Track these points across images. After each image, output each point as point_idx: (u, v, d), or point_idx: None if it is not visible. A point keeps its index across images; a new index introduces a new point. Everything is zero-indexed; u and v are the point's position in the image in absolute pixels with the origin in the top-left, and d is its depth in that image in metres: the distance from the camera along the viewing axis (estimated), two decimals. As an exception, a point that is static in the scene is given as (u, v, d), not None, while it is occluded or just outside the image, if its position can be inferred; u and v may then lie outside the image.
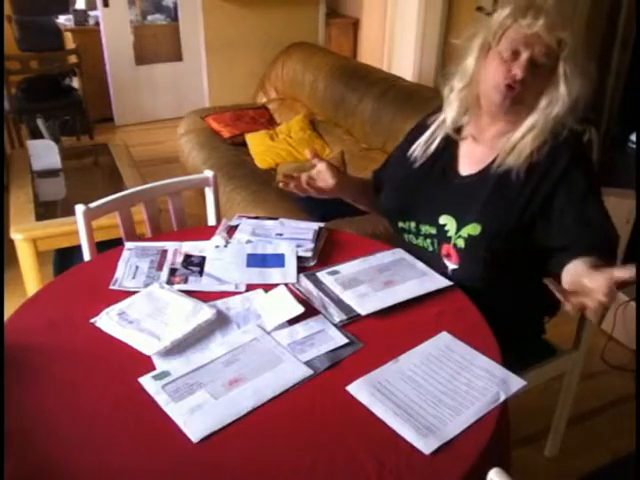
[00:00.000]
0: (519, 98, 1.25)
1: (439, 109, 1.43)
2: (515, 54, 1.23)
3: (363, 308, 1.20)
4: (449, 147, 1.40)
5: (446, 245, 1.36)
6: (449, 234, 1.35)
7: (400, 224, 1.47)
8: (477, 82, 1.31)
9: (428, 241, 1.41)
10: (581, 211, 1.25)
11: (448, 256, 1.36)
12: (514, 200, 1.28)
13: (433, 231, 1.39)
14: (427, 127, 1.45)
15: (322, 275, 1.32)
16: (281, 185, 1.44)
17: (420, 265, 1.36)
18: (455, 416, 0.95)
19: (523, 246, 1.31)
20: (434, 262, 1.37)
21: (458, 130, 1.40)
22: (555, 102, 1.24)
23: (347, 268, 1.35)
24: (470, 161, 1.37)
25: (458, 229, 1.33)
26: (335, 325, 1.17)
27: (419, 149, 1.43)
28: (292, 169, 2.90)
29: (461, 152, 1.40)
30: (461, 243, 1.33)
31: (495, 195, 1.30)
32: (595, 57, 3.68)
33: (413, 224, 1.43)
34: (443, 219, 1.36)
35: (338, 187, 1.47)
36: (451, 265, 1.36)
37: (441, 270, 1.35)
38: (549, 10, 1.23)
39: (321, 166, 1.46)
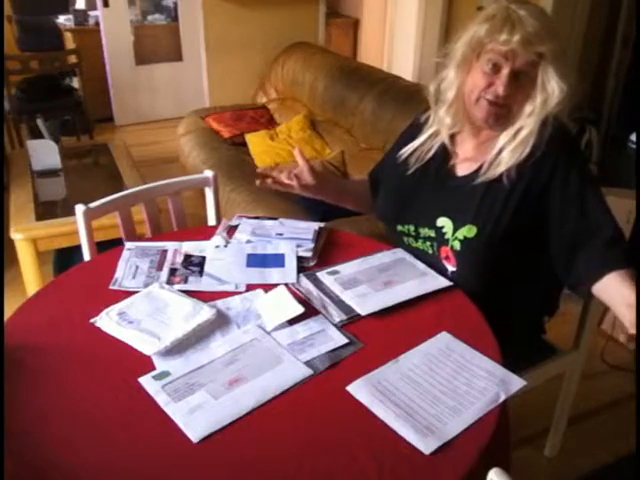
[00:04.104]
0: (502, 114, 1.26)
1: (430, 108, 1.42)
2: (496, 67, 1.22)
3: (363, 308, 1.20)
4: (446, 150, 1.40)
5: (444, 247, 1.36)
6: (446, 236, 1.34)
7: (399, 228, 1.46)
8: (463, 96, 1.31)
9: (428, 244, 1.40)
10: (580, 208, 1.23)
11: (447, 259, 1.36)
12: (506, 201, 1.27)
13: (432, 234, 1.38)
14: (420, 127, 1.44)
15: (322, 275, 1.32)
16: (258, 183, 1.44)
17: (420, 265, 1.36)
18: (455, 416, 0.95)
19: (522, 248, 1.31)
20: (434, 265, 1.36)
21: (452, 137, 1.40)
22: (537, 109, 1.23)
23: (347, 268, 1.35)
24: (467, 161, 1.37)
25: (454, 231, 1.33)
26: (335, 325, 1.17)
27: (414, 156, 1.43)
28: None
29: (458, 152, 1.39)
30: (457, 245, 1.32)
31: (488, 196, 1.30)
32: (595, 57, 3.69)
33: (412, 227, 1.43)
34: (440, 221, 1.36)
35: (315, 189, 1.47)
36: (450, 267, 1.36)
37: (441, 273, 1.34)
38: (526, 23, 1.18)
39: (303, 166, 1.45)
